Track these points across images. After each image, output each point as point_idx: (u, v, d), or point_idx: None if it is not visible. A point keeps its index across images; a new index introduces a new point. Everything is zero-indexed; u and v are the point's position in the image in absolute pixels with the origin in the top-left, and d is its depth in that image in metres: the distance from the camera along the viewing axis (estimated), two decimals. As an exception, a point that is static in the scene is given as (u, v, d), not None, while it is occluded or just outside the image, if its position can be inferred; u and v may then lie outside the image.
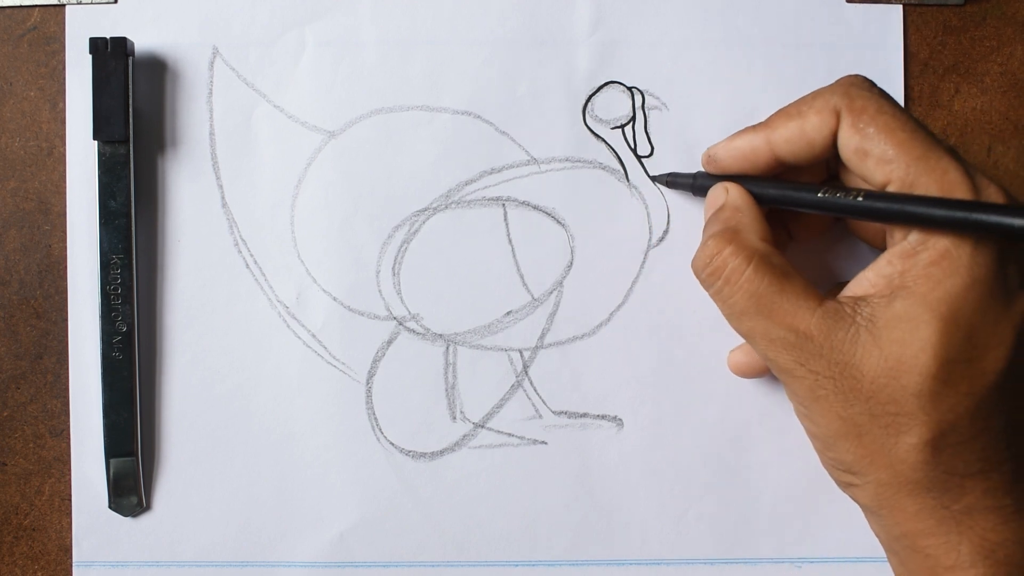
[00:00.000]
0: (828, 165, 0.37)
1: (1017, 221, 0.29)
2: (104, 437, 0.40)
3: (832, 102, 0.33)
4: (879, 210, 0.31)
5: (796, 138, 0.33)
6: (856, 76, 0.34)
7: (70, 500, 0.41)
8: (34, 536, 0.41)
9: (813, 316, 0.32)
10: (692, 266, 0.35)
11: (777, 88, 0.41)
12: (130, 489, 0.40)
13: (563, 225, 0.41)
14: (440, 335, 0.41)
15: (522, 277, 0.41)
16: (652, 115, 0.41)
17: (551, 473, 0.41)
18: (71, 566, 0.40)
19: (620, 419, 0.41)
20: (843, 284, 0.38)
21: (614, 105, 0.41)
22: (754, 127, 0.35)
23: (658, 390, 0.41)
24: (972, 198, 0.30)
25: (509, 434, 0.41)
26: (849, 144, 0.32)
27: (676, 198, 0.41)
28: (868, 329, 0.31)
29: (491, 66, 0.41)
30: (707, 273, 0.34)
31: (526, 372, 0.41)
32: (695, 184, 0.38)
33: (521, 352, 0.41)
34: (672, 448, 0.41)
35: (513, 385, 0.41)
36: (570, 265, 0.41)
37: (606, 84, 0.41)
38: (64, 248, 0.41)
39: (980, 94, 0.42)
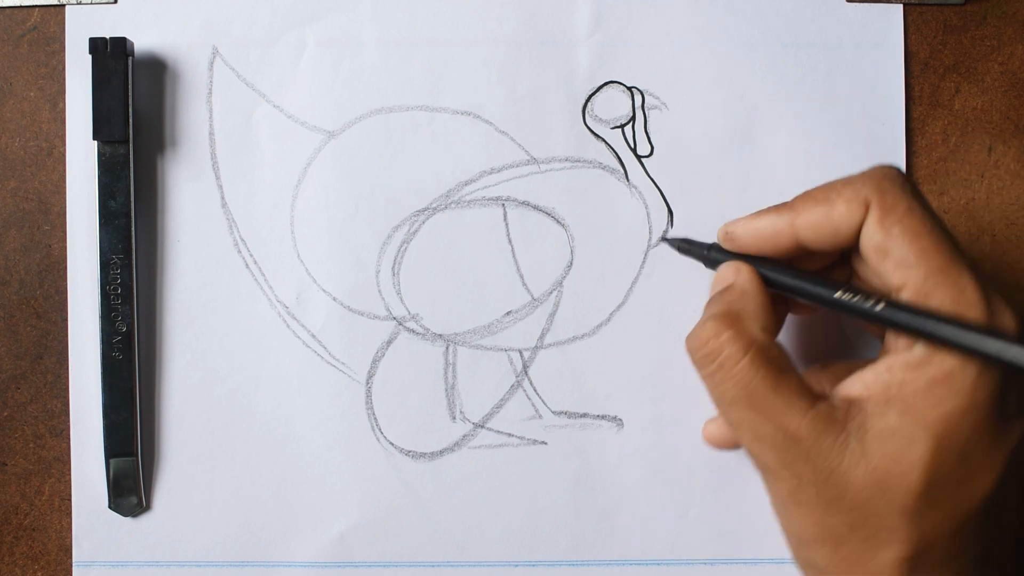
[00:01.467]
0: (846, 255, 0.35)
1: None
2: (104, 437, 0.40)
3: (863, 193, 0.31)
4: (897, 322, 0.30)
5: (822, 225, 0.32)
6: (891, 169, 0.32)
7: (70, 500, 0.41)
8: (34, 536, 0.41)
9: (804, 418, 0.30)
10: (687, 344, 0.33)
11: (777, 88, 0.41)
12: (130, 489, 0.40)
13: (563, 225, 0.41)
14: (440, 335, 0.41)
15: (522, 277, 0.41)
16: (652, 115, 0.41)
17: (551, 473, 0.41)
18: (71, 566, 0.40)
19: (620, 419, 0.41)
20: (835, 363, 0.38)
21: (614, 105, 0.41)
22: (778, 208, 0.33)
23: (658, 390, 0.41)
24: (985, 320, 0.29)
25: (509, 434, 0.41)
26: (872, 239, 0.31)
27: (676, 198, 0.41)
28: (858, 438, 0.30)
29: (491, 66, 0.41)
30: (701, 355, 0.32)
31: (526, 372, 0.41)
32: (708, 256, 0.36)
33: (521, 352, 0.41)
34: (672, 448, 0.41)
35: (513, 385, 0.41)
36: (570, 265, 0.41)
37: (606, 84, 0.41)
38: (64, 248, 0.41)
39: (980, 94, 0.42)
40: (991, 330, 0.29)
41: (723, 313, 0.32)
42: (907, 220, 0.30)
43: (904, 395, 0.30)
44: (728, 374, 0.32)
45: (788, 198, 0.41)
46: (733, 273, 0.34)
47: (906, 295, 0.30)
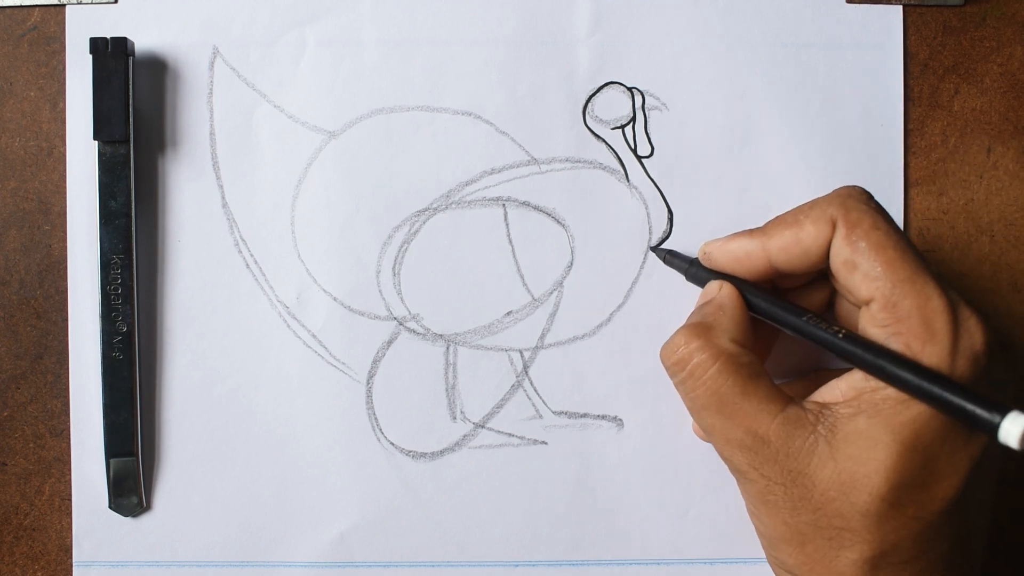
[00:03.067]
0: (825, 273, 0.36)
1: (982, 414, 0.29)
2: (104, 437, 0.40)
3: (829, 212, 0.32)
4: (854, 354, 0.31)
5: (792, 246, 0.33)
6: (854, 188, 0.33)
7: (70, 500, 0.40)
8: (34, 536, 0.41)
9: (773, 421, 0.32)
10: (660, 353, 0.35)
11: (777, 88, 0.41)
12: (130, 489, 0.40)
13: (563, 225, 0.41)
14: (440, 335, 0.41)
15: (522, 277, 0.41)
16: (652, 115, 0.41)
17: (551, 473, 0.41)
18: (71, 566, 0.40)
19: (620, 419, 0.41)
20: (820, 372, 0.39)
21: (614, 105, 0.41)
22: (751, 232, 0.35)
23: (658, 390, 0.41)
24: (951, 328, 0.30)
25: (509, 434, 0.41)
26: (840, 255, 0.32)
27: (676, 198, 0.41)
28: (827, 440, 0.31)
29: (491, 66, 0.41)
30: (672, 362, 0.34)
31: (526, 372, 0.41)
32: (688, 271, 0.38)
33: (521, 352, 0.41)
34: (672, 448, 0.41)
35: (513, 385, 0.41)
36: (570, 265, 0.41)
37: (606, 84, 0.41)
38: (64, 248, 0.41)
39: (980, 94, 0.42)
40: (949, 382, 0.30)
41: (695, 324, 0.34)
42: (872, 234, 0.31)
43: (874, 400, 0.31)
44: (698, 381, 0.33)
45: (788, 198, 0.41)
46: (716, 289, 0.36)
47: (875, 306, 0.31)
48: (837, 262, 0.32)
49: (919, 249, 0.32)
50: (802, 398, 0.33)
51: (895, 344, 0.31)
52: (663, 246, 0.40)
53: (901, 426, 0.30)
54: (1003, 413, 0.28)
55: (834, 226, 0.32)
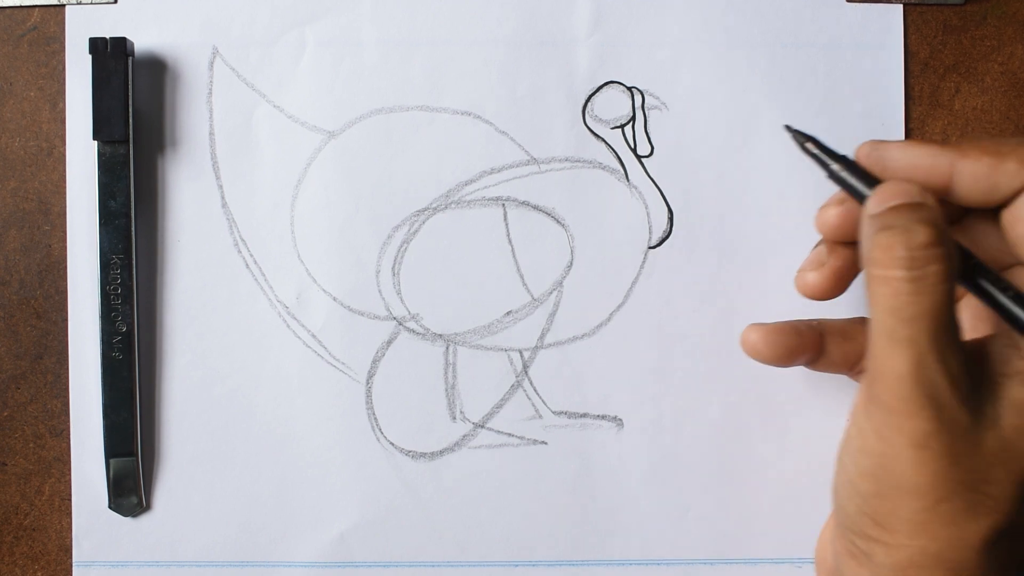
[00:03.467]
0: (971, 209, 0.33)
1: None
2: (104, 437, 0.40)
3: None
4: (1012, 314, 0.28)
5: (984, 176, 0.30)
6: None
7: (70, 500, 0.41)
8: (34, 536, 0.41)
9: (962, 367, 0.29)
10: (885, 238, 0.29)
11: (777, 88, 0.41)
12: (130, 489, 0.40)
13: (563, 225, 0.41)
14: (440, 335, 0.41)
15: (522, 277, 0.41)
16: (652, 115, 0.41)
17: (551, 473, 0.41)
18: (71, 566, 0.40)
19: (620, 419, 0.41)
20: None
21: (614, 105, 0.41)
22: (940, 144, 0.31)
23: (658, 390, 0.41)
24: None
25: (509, 434, 0.41)
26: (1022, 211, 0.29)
27: (676, 198, 0.41)
28: (995, 407, 0.29)
29: (491, 66, 0.41)
30: (909, 253, 0.29)
31: (526, 372, 0.41)
32: (833, 170, 0.32)
33: (521, 352, 0.41)
34: (672, 448, 0.41)
35: (513, 385, 0.41)
36: (570, 265, 0.41)
37: (606, 84, 0.41)
38: (64, 248, 0.41)
39: (980, 94, 0.42)
40: None
41: (938, 227, 0.29)
42: None
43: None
44: (926, 289, 0.28)
45: (788, 198, 0.41)
46: (925, 195, 0.30)
47: None
48: (1020, 212, 0.29)
49: None
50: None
51: None
52: (803, 131, 0.34)
53: None
54: None
55: None
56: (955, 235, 0.31)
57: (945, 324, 0.29)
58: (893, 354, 0.29)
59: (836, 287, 0.34)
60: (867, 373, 0.30)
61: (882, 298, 0.29)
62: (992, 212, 0.31)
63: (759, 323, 0.36)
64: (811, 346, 0.35)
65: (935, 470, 0.29)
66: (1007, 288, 0.29)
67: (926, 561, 0.30)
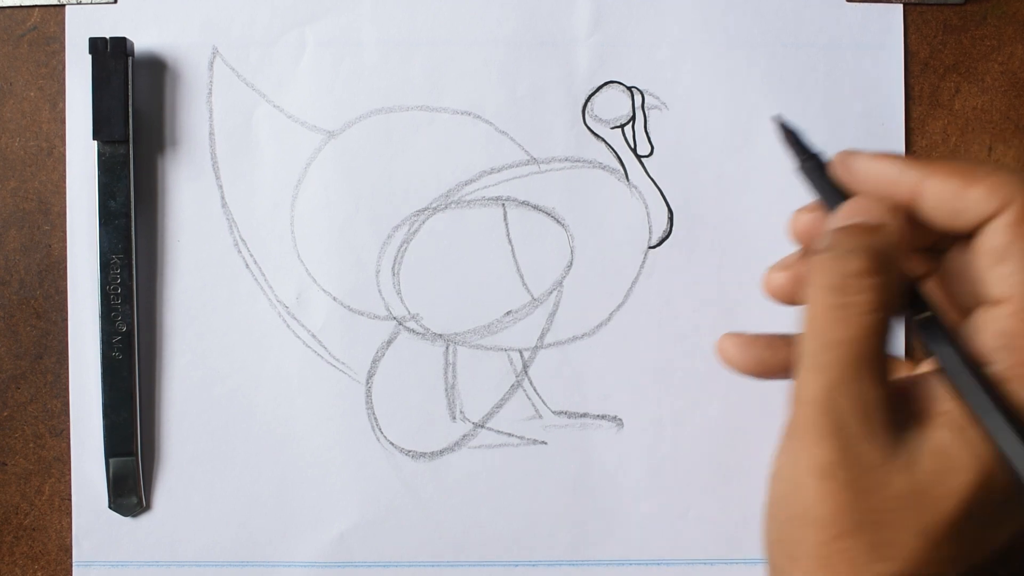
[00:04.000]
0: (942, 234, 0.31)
1: None
2: (104, 437, 0.40)
3: (1008, 190, 0.28)
4: (951, 374, 0.28)
5: (949, 199, 0.29)
6: None
7: (70, 500, 0.41)
8: (34, 536, 0.41)
9: (883, 402, 0.28)
10: (820, 246, 0.30)
11: (777, 88, 0.41)
12: (130, 489, 0.40)
13: (563, 225, 0.41)
14: (440, 335, 0.41)
15: (522, 277, 0.41)
16: (652, 115, 0.41)
17: (551, 473, 0.41)
18: (71, 566, 0.40)
19: (620, 419, 0.41)
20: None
21: (614, 105, 0.41)
22: (909, 159, 0.30)
23: (658, 390, 0.41)
24: None
25: (509, 434, 0.41)
26: (994, 239, 0.28)
27: (676, 198, 0.41)
28: (917, 446, 0.28)
29: (491, 66, 0.41)
30: (838, 281, 0.29)
31: (526, 372, 0.41)
32: (804, 166, 0.32)
33: (521, 352, 0.41)
34: (672, 448, 0.41)
35: (513, 385, 0.41)
36: (570, 265, 0.41)
37: (606, 84, 0.41)
38: (64, 248, 0.41)
39: (980, 93, 0.42)
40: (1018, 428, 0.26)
41: (880, 252, 0.29)
42: None
43: (959, 415, 0.28)
44: (849, 318, 0.28)
45: (788, 198, 0.41)
46: (889, 216, 0.30)
47: (1005, 310, 0.28)
48: (986, 245, 0.28)
49: None
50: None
51: (1005, 359, 0.28)
52: (789, 124, 0.34)
53: (987, 453, 0.27)
54: None
55: (1005, 205, 0.28)
56: (942, 263, 0.31)
57: (865, 355, 0.28)
58: (808, 378, 0.29)
59: (798, 292, 0.33)
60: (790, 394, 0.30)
61: (808, 319, 0.29)
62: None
63: (736, 332, 0.35)
64: (784, 361, 0.33)
65: (837, 503, 0.28)
66: (938, 330, 0.29)
67: None
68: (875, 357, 0.28)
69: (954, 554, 0.28)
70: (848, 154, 0.31)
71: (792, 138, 0.33)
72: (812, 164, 0.32)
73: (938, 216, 0.29)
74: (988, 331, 0.28)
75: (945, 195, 0.29)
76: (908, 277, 0.29)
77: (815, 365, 0.28)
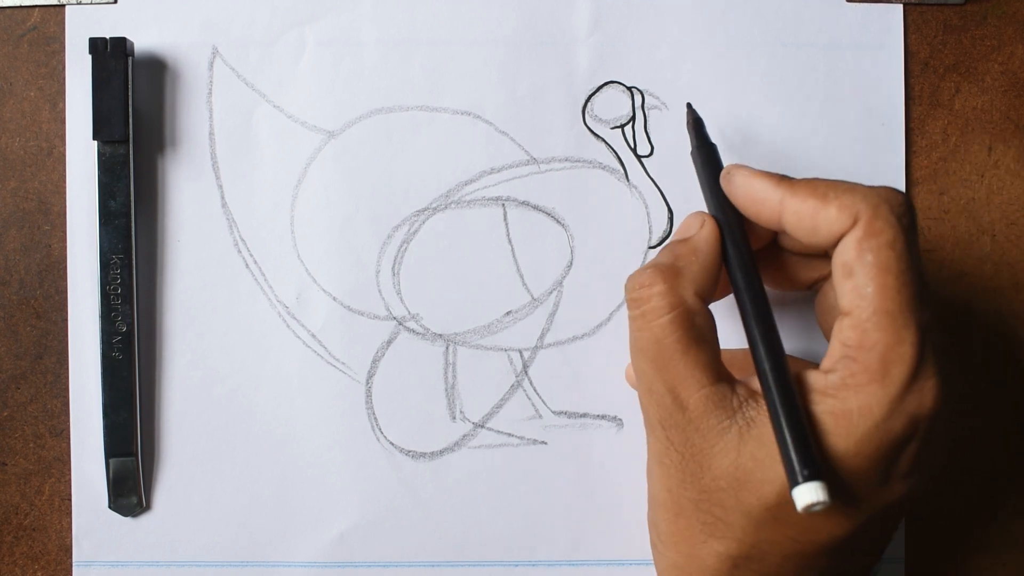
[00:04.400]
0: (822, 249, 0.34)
1: (794, 464, 0.28)
2: (104, 437, 0.40)
3: (857, 207, 0.30)
4: (753, 348, 0.31)
5: (806, 218, 0.31)
6: (898, 195, 0.30)
7: (70, 500, 0.41)
8: (34, 536, 0.41)
9: (698, 391, 0.31)
10: (626, 282, 0.34)
11: (777, 88, 0.41)
12: (130, 489, 0.40)
13: (563, 225, 0.41)
14: (440, 335, 0.41)
15: (522, 277, 0.41)
16: (652, 115, 0.41)
17: (551, 473, 0.41)
18: (71, 566, 0.40)
19: (620, 419, 0.41)
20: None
21: (614, 105, 0.41)
22: (780, 179, 0.32)
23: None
24: (905, 380, 0.29)
25: (509, 434, 0.41)
26: (844, 255, 0.30)
27: (676, 198, 0.41)
28: (739, 432, 0.30)
29: (491, 66, 0.41)
30: (631, 298, 0.33)
31: (526, 372, 0.41)
32: (696, 153, 0.36)
33: (521, 352, 0.41)
34: (672, 448, 0.41)
35: (513, 385, 0.41)
36: (570, 265, 0.41)
37: (606, 84, 0.41)
38: (64, 248, 0.41)
39: (980, 93, 0.42)
40: (794, 410, 0.29)
41: (665, 266, 0.32)
42: (883, 251, 0.29)
43: None
44: (647, 324, 0.32)
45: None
46: (697, 225, 0.34)
47: (847, 322, 0.30)
48: (838, 261, 0.30)
49: (926, 281, 0.30)
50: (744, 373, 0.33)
51: (844, 368, 0.29)
52: (700, 114, 0.38)
53: None
54: (809, 477, 0.27)
55: (855, 222, 0.30)
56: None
57: (672, 352, 0.31)
58: (637, 378, 0.33)
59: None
60: None
61: (629, 334, 0.33)
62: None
63: None
64: None
65: (669, 486, 0.32)
66: (756, 326, 0.31)
67: (674, 572, 0.32)
68: (685, 351, 0.31)
69: (780, 536, 0.30)
70: (732, 167, 0.34)
71: (696, 125, 0.37)
72: (703, 152, 0.36)
73: (798, 232, 0.31)
74: (836, 341, 0.30)
75: (803, 214, 0.31)
76: (750, 278, 0.32)
77: (637, 371, 0.33)
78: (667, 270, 0.32)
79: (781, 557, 0.30)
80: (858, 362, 0.29)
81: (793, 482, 0.28)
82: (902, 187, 0.41)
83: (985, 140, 0.42)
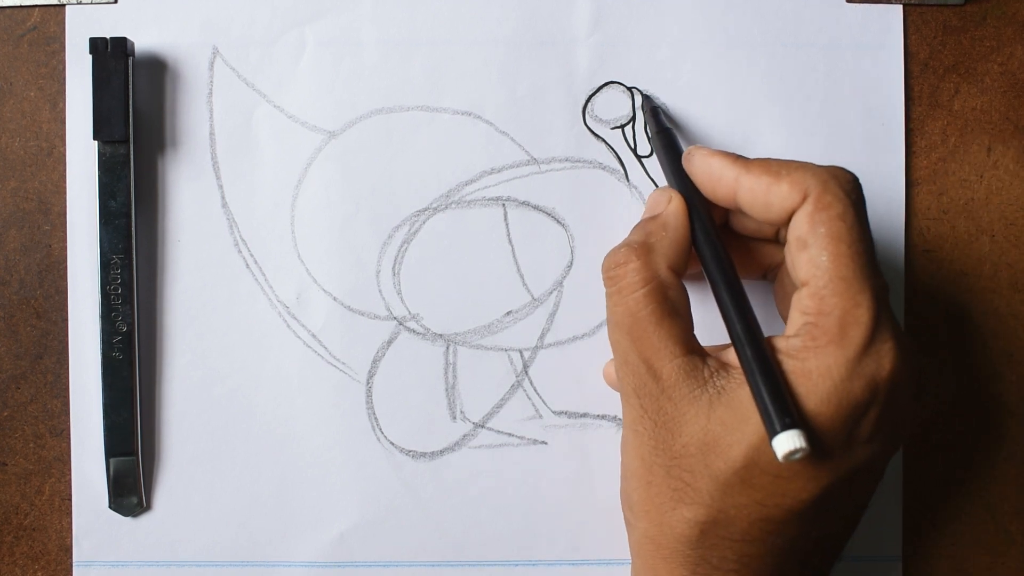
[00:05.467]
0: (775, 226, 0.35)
1: (771, 414, 0.28)
2: (104, 437, 0.40)
3: (807, 182, 0.31)
4: (724, 312, 0.32)
5: (760, 195, 0.32)
6: (843, 172, 0.32)
7: (70, 500, 0.41)
8: (34, 536, 0.41)
9: (671, 361, 0.32)
10: (602, 262, 0.34)
11: (777, 88, 0.41)
12: (130, 489, 0.40)
13: (563, 225, 0.41)
14: (440, 335, 0.41)
15: (522, 277, 0.41)
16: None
17: (551, 473, 0.41)
18: (71, 566, 0.40)
19: (620, 419, 0.41)
20: None
21: (614, 105, 0.41)
22: (735, 158, 0.33)
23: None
24: (863, 342, 0.29)
25: (509, 434, 0.41)
26: (797, 229, 0.31)
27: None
28: (710, 399, 0.31)
29: (491, 66, 0.41)
30: (606, 276, 0.34)
31: (526, 372, 0.41)
32: (656, 139, 0.38)
33: (521, 352, 0.41)
34: (672, 448, 0.41)
35: (513, 385, 0.41)
36: (570, 265, 0.41)
37: (606, 84, 0.41)
38: (64, 248, 0.41)
39: (980, 94, 0.42)
40: (764, 361, 0.30)
41: (638, 243, 0.34)
42: (835, 223, 0.30)
43: None
44: (622, 298, 0.33)
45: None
46: (665, 201, 0.35)
47: (805, 292, 0.31)
48: (792, 235, 0.31)
49: (872, 251, 0.31)
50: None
51: (805, 334, 0.30)
52: (653, 100, 0.40)
53: None
54: (788, 426, 0.28)
55: (805, 197, 0.31)
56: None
57: (645, 325, 0.32)
58: (613, 351, 0.34)
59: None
60: None
61: (606, 311, 0.34)
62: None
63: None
64: None
65: (641, 454, 0.33)
66: (725, 295, 0.32)
67: (646, 543, 0.33)
68: (659, 323, 0.32)
69: (748, 500, 0.31)
70: (693, 149, 0.35)
71: (654, 112, 0.39)
72: (662, 138, 0.37)
73: (753, 209, 0.33)
74: (795, 311, 0.31)
75: (757, 191, 0.32)
76: (717, 252, 0.33)
77: (612, 341, 0.34)
78: (640, 247, 0.33)
79: (748, 523, 0.31)
80: (818, 327, 0.30)
81: (772, 432, 0.28)
82: (902, 187, 0.41)
83: (984, 141, 0.42)
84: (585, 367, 0.41)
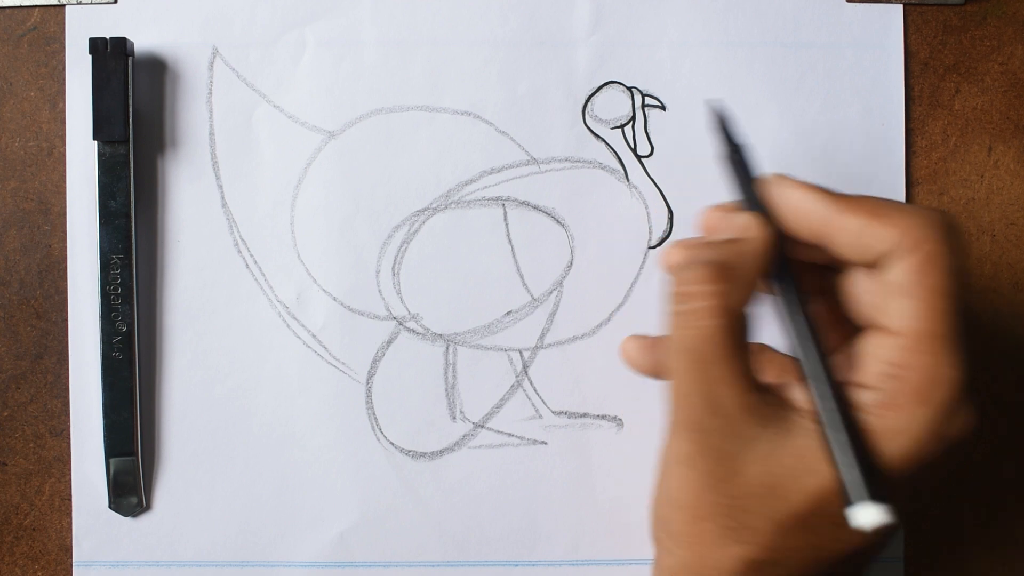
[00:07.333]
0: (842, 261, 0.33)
1: (851, 484, 0.28)
2: (104, 437, 0.40)
3: (921, 231, 0.29)
4: (817, 392, 0.30)
5: (857, 236, 0.30)
6: (951, 218, 0.30)
7: (70, 500, 0.41)
8: (34, 536, 0.41)
9: (736, 399, 0.30)
10: (668, 262, 0.33)
11: (777, 88, 0.41)
12: (130, 489, 0.40)
13: (563, 225, 0.41)
14: (440, 335, 0.41)
15: (522, 277, 0.41)
16: (652, 115, 0.41)
17: (551, 473, 0.41)
18: (71, 566, 0.40)
19: (620, 419, 0.41)
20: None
21: (614, 105, 0.41)
22: (826, 193, 0.31)
23: (658, 390, 0.41)
24: (945, 406, 0.28)
25: (509, 434, 0.41)
26: (901, 275, 0.29)
27: (676, 198, 0.41)
28: (771, 441, 0.30)
29: (491, 66, 0.41)
30: (679, 291, 0.31)
31: (526, 372, 0.41)
32: (730, 158, 0.33)
33: (521, 352, 0.41)
34: (672, 448, 0.41)
35: (513, 385, 0.41)
36: (570, 265, 0.41)
37: (606, 84, 0.41)
38: (64, 248, 0.41)
39: (980, 94, 0.42)
40: (869, 466, 0.28)
41: (723, 265, 0.31)
42: (945, 278, 0.29)
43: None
44: (694, 323, 0.30)
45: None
46: (755, 229, 0.32)
47: (894, 342, 0.29)
48: (893, 278, 0.29)
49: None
50: (778, 372, 0.33)
51: (888, 387, 0.29)
52: (718, 110, 0.34)
53: None
54: (875, 498, 0.27)
55: (917, 246, 0.29)
56: (832, 281, 0.33)
57: (714, 356, 0.30)
58: (672, 379, 0.32)
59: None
60: None
61: (667, 326, 0.32)
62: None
63: (640, 335, 0.36)
64: None
65: (695, 489, 0.31)
66: (809, 343, 0.30)
67: (683, 571, 0.32)
68: (728, 357, 0.30)
69: (804, 544, 0.30)
70: (775, 178, 0.32)
71: (722, 126, 0.34)
72: (736, 156, 0.33)
73: (847, 250, 0.31)
74: (876, 358, 0.30)
75: (852, 231, 0.30)
76: (795, 290, 0.31)
77: (672, 368, 0.31)
78: (720, 270, 0.31)
79: (800, 563, 0.30)
80: (904, 382, 0.29)
81: (856, 498, 0.28)
82: (902, 187, 0.41)
83: (985, 140, 0.42)
84: (585, 367, 0.41)
